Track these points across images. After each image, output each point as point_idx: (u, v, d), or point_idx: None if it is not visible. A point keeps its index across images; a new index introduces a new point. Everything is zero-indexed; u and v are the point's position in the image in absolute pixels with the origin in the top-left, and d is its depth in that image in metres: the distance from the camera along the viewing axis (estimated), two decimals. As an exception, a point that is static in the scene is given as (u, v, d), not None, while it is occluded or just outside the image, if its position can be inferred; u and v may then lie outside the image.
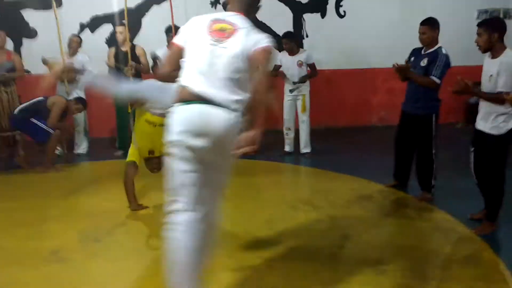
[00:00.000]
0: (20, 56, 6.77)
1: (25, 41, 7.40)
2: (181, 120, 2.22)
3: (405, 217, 4.01)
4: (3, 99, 5.90)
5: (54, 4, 6.02)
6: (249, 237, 3.55)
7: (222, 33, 2.32)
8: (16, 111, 5.64)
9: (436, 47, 4.19)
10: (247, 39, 2.30)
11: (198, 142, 2.19)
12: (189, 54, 2.33)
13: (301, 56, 6.05)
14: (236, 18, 2.40)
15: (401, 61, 4.36)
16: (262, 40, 2.34)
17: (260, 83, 2.23)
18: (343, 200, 4.41)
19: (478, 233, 3.53)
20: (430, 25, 4.19)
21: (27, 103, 5.67)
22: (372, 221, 3.90)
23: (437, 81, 4.11)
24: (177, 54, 2.38)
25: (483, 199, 3.65)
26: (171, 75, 2.38)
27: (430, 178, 4.34)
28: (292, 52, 6.06)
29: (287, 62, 6.07)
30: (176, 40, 2.42)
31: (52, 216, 4.03)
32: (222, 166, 2.32)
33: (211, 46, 2.28)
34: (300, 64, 6.02)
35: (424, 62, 4.19)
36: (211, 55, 2.27)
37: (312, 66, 6.13)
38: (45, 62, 6.08)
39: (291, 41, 6.05)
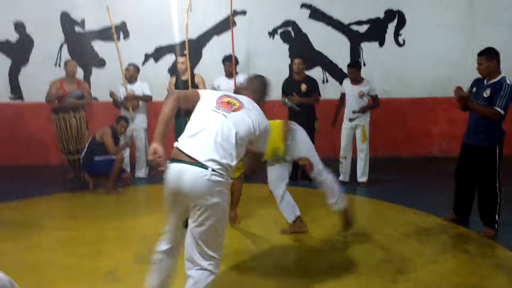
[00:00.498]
0: (89, 84, 7.25)
1: (94, 70, 7.89)
2: (167, 175, 2.45)
3: (465, 253, 3.80)
4: (72, 124, 6.31)
5: (115, 36, 6.45)
6: (300, 268, 3.52)
7: (228, 105, 2.57)
8: (81, 161, 6.01)
9: (499, 77, 4.04)
10: (249, 117, 2.54)
11: (176, 195, 2.42)
12: (193, 117, 2.58)
13: (364, 87, 6.01)
14: (245, 99, 2.68)
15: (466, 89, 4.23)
16: (265, 124, 2.61)
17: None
18: (399, 232, 4.26)
19: None
20: (486, 55, 4.06)
21: (85, 149, 6.00)
22: (429, 256, 3.73)
23: (502, 112, 3.95)
24: (190, 98, 2.67)
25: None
26: (172, 106, 2.55)
27: (493, 213, 4.13)
28: (355, 82, 6.03)
29: (349, 91, 6.08)
30: (200, 91, 2.73)
31: (110, 237, 4.20)
32: (201, 219, 2.37)
33: (213, 112, 2.52)
34: (361, 95, 5.99)
35: (487, 93, 4.04)
36: (210, 119, 2.49)
37: (375, 98, 6.10)
38: (112, 96, 6.50)
39: (357, 70, 6.04)
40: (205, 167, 2.35)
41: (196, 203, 2.36)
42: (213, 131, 2.44)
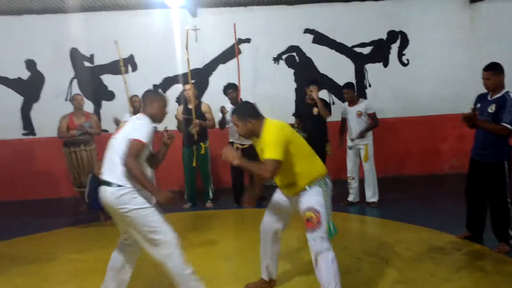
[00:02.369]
0: (99, 117, 7.37)
1: (104, 103, 8.04)
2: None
3: (480, 270, 3.73)
4: (83, 157, 6.41)
5: (122, 69, 6.59)
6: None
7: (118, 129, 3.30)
8: (87, 199, 6.02)
9: (503, 92, 4.04)
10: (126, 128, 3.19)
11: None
12: None
13: (360, 106, 6.03)
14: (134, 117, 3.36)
15: (469, 106, 4.23)
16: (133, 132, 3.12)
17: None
18: (412, 251, 4.21)
19: None
20: (493, 70, 4.07)
21: (87, 188, 6.03)
22: (443, 275, 3.68)
23: (509, 127, 3.93)
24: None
25: None
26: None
27: (507, 228, 4.08)
28: (352, 103, 6.07)
29: (348, 113, 6.10)
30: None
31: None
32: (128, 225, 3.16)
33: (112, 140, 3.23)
34: (359, 115, 6.00)
35: (492, 109, 4.04)
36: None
37: (372, 116, 6.07)
38: (116, 122, 6.56)
39: (351, 91, 6.06)
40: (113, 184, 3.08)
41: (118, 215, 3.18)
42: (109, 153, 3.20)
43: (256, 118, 3.16)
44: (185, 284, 3.13)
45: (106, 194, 3.06)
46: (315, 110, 6.06)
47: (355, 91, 6.16)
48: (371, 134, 6.10)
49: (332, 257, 3.02)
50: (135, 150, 3.01)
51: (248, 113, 3.18)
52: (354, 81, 7.82)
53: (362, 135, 5.97)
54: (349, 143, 6.15)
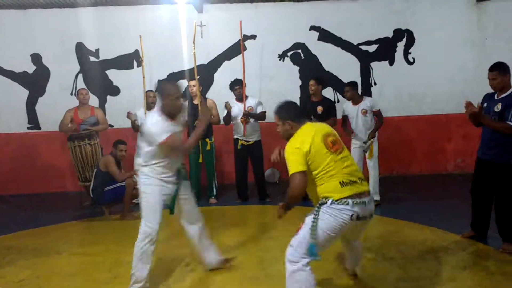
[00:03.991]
0: (104, 112, 7.38)
1: (109, 98, 8.05)
2: None
3: (484, 270, 3.74)
4: (87, 151, 6.43)
5: (143, 64, 6.59)
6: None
7: None
8: (92, 194, 6.02)
9: (510, 91, 4.04)
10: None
11: None
12: None
13: (365, 104, 5.99)
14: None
15: (475, 105, 4.22)
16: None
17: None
18: (416, 250, 4.21)
19: None
20: (499, 70, 4.06)
21: (92, 182, 6.03)
22: (447, 274, 3.67)
23: (515, 125, 3.92)
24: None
25: None
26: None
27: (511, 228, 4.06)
28: (354, 101, 6.04)
29: (351, 111, 6.05)
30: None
31: (126, 261, 4.20)
32: None
33: None
34: (364, 113, 5.96)
35: (498, 108, 4.03)
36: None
37: (377, 113, 6.03)
38: (129, 116, 6.56)
39: (352, 89, 6.01)
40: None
41: None
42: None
43: (295, 121, 3.07)
44: (134, 263, 3.52)
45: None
46: (319, 109, 6.05)
47: (357, 89, 6.08)
48: (376, 132, 6.08)
49: (293, 270, 2.84)
50: (166, 150, 3.39)
51: (288, 114, 3.09)
52: (359, 79, 7.84)
53: (373, 135, 5.93)
54: (353, 141, 6.10)
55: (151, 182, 3.48)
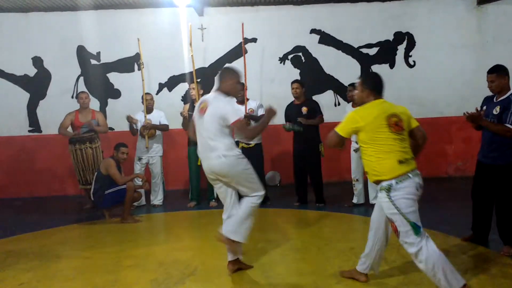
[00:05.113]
0: (105, 115, 7.39)
1: (110, 101, 8.06)
2: None
3: (485, 273, 3.72)
4: (88, 155, 6.43)
5: (142, 67, 6.60)
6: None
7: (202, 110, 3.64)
8: (92, 198, 6.00)
9: (508, 94, 4.04)
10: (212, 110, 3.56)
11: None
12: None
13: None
14: (211, 96, 3.67)
15: (474, 109, 4.22)
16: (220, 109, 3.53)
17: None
18: (417, 254, 4.19)
19: None
20: (497, 73, 4.07)
21: (92, 185, 6.01)
22: (448, 277, 3.65)
23: (512, 128, 3.92)
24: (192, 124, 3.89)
25: None
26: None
27: (512, 231, 4.05)
28: (355, 103, 6.05)
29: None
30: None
31: (126, 265, 4.22)
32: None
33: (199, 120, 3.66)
34: None
35: (496, 110, 4.04)
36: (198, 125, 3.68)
37: None
38: (129, 119, 6.55)
39: (355, 89, 6.01)
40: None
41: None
42: (203, 130, 3.63)
43: (372, 92, 3.29)
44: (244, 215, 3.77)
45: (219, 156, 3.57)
46: (303, 109, 6.10)
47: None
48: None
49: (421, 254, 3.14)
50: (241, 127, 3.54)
51: (371, 84, 3.30)
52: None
53: None
54: (353, 145, 6.12)
55: (243, 156, 3.63)
